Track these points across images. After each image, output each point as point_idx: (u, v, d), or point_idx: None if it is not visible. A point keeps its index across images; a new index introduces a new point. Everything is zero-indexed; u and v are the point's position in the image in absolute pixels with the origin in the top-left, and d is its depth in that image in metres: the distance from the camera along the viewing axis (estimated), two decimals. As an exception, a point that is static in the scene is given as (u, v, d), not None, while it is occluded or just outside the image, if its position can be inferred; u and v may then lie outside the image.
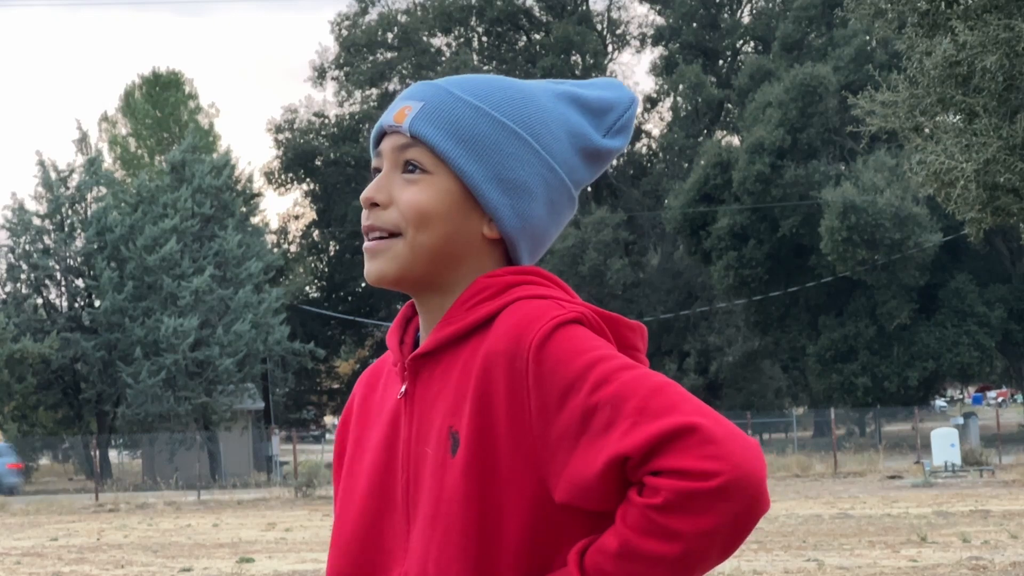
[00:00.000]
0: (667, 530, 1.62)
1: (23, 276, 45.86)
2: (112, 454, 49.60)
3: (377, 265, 1.82)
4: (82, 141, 50.29)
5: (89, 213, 46.36)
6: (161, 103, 63.39)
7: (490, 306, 1.78)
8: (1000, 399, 74.28)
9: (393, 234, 1.81)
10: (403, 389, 1.84)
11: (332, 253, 65.98)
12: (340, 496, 1.92)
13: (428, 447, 1.79)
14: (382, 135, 1.86)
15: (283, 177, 64.71)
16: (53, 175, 46.36)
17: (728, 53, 64.36)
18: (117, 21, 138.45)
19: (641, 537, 1.63)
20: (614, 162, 28.68)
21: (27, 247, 45.89)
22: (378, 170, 1.86)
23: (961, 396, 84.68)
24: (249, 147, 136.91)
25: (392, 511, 1.83)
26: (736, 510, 1.61)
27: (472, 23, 64.33)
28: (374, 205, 1.83)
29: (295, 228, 66.68)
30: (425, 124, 1.81)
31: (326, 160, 63.92)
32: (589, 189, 55.40)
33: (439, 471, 1.76)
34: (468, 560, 1.72)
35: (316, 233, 65.47)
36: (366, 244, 1.84)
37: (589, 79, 1.96)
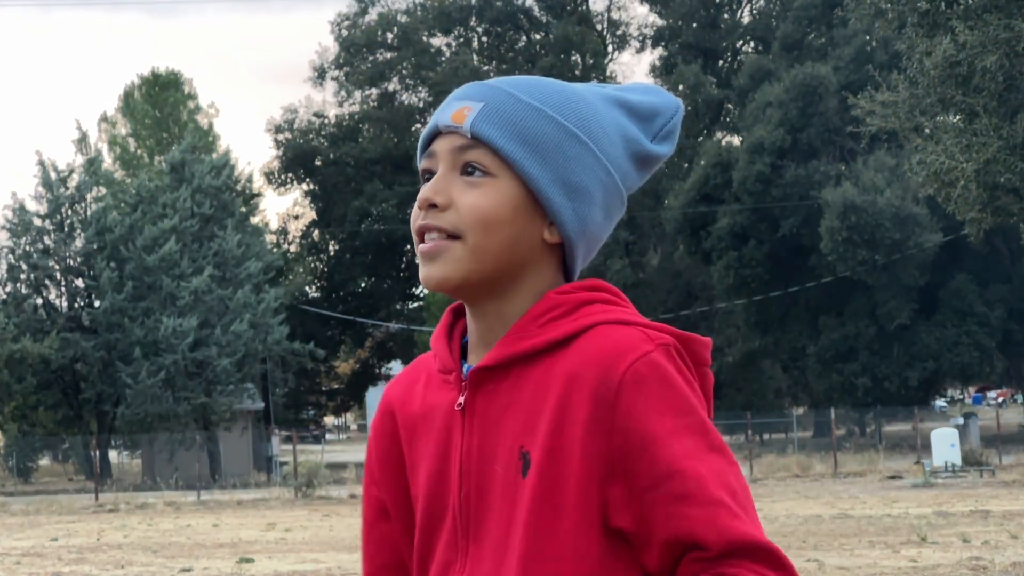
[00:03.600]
0: None
1: (23, 276, 45.82)
2: (112, 454, 49.59)
3: (438, 269, 1.75)
4: (82, 141, 50.31)
5: (89, 213, 46.32)
6: (160, 103, 63.32)
7: (566, 326, 1.73)
8: (1000, 399, 74.22)
9: (452, 236, 1.74)
10: (461, 401, 1.78)
11: (332, 253, 66.00)
12: (408, 508, 1.87)
13: (497, 465, 1.74)
14: (434, 135, 1.80)
15: (283, 177, 64.75)
16: (53, 175, 46.32)
17: (728, 53, 64.35)
18: (117, 21, 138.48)
19: None
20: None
21: (27, 247, 45.86)
22: (428, 171, 1.79)
23: (961, 396, 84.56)
24: (249, 147, 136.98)
25: (442, 522, 1.79)
26: None
27: (472, 23, 64.33)
28: (432, 206, 1.76)
29: (295, 228, 66.73)
30: (488, 125, 1.75)
31: (326, 160, 63.94)
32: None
33: (510, 492, 1.72)
34: None
35: (316, 233, 65.49)
36: (422, 247, 1.76)
37: (629, 84, 1.90)
